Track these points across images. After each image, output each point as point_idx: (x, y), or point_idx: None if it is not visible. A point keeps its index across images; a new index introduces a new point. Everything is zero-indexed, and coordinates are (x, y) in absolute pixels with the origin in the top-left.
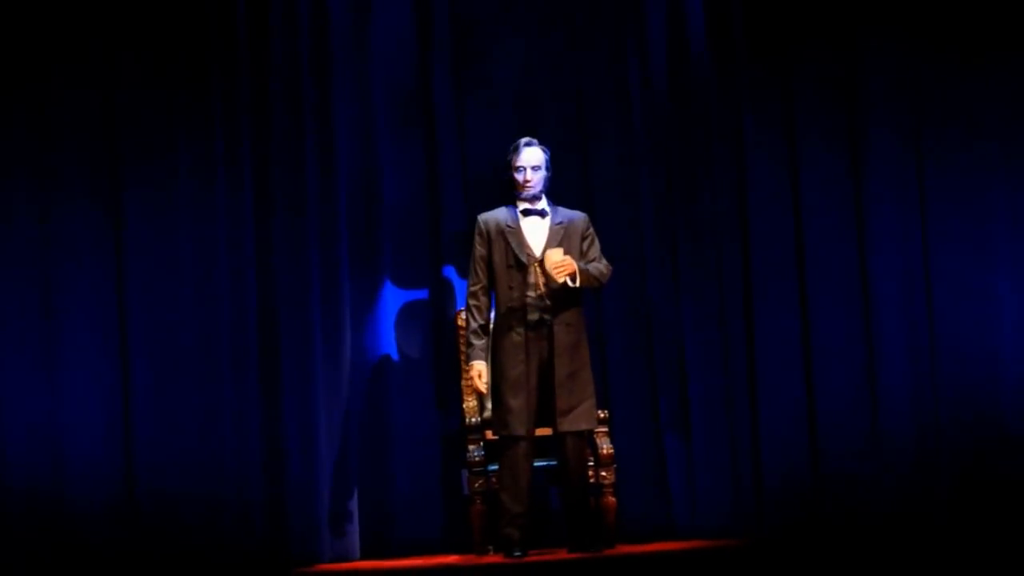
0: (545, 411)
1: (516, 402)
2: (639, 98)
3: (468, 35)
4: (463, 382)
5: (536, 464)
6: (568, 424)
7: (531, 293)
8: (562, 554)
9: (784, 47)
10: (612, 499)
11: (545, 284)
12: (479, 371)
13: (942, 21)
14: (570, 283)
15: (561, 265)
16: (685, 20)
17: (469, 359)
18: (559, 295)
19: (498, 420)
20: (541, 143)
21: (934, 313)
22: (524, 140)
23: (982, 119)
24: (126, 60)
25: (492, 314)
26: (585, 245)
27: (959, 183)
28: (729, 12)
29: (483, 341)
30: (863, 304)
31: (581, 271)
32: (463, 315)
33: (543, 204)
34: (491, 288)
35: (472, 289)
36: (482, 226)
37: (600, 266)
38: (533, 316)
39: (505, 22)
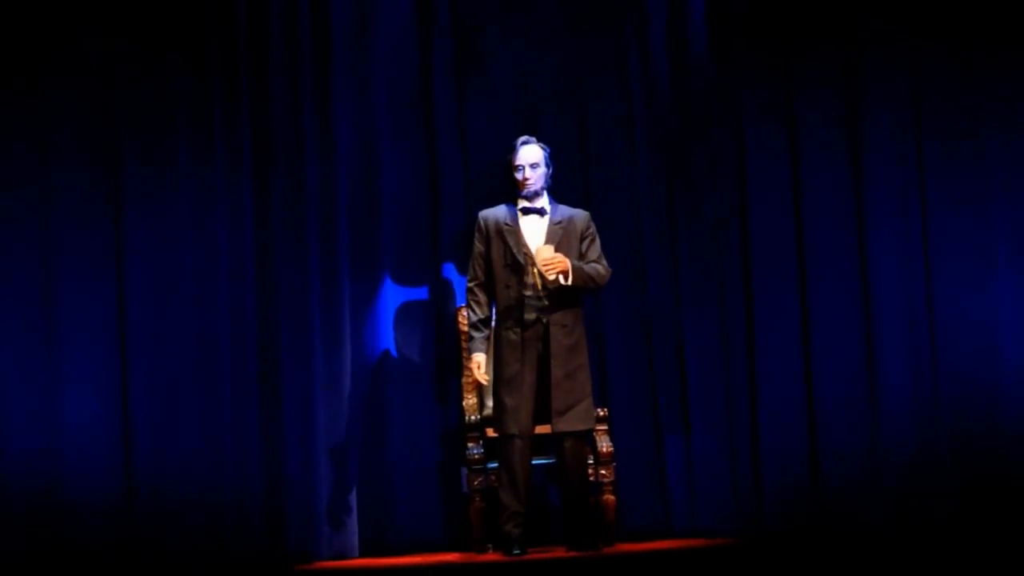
0: (544, 410)
1: (511, 401)
2: (640, 97)
3: (468, 33)
4: (463, 379)
5: (535, 462)
6: (563, 424)
7: (528, 292)
8: (561, 552)
9: (785, 44)
10: (611, 497)
11: (542, 284)
12: (478, 363)
13: (943, 15)
14: (563, 281)
15: (551, 263)
16: (686, 18)
17: (470, 352)
18: (557, 295)
19: (495, 418)
20: (541, 139)
21: (934, 313)
22: (522, 138)
23: (983, 113)
24: (125, 60)
25: (493, 310)
26: (584, 245)
27: (959, 179)
28: (730, 11)
29: (483, 334)
30: (863, 304)
31: (574, 268)
32: (463, 312)
33: (543, 202)
34: (490, 285)
35: (470, 285)
36: (481, 223)
37: (598, 267)
38: (530, 316)
39: (505, 21)
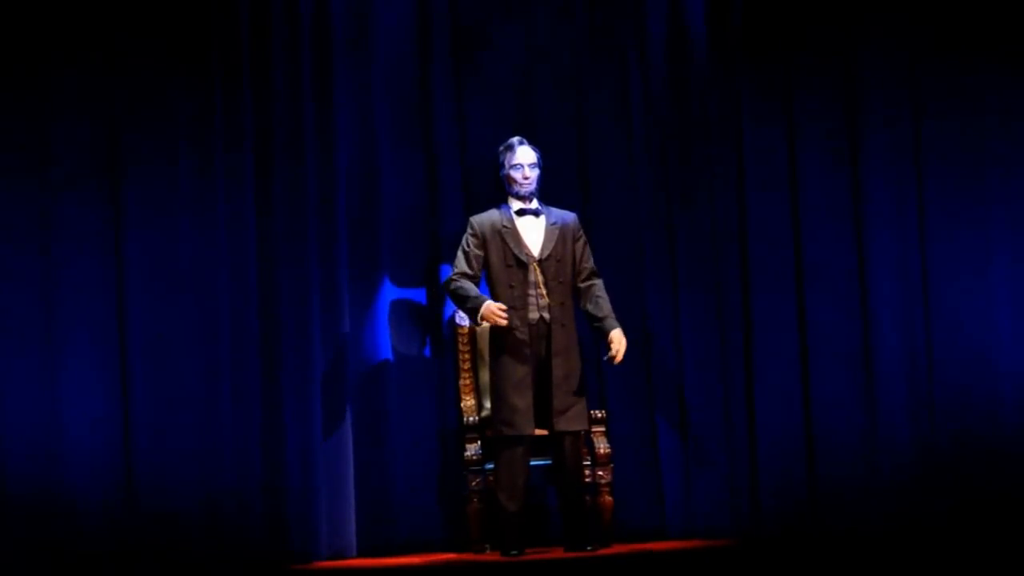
0: (541, 410)
1: (523, 402)
2: (638, 99)
3: (468, 35)
4: (461, 381)
5: (532, 463)
6: (565, 424)
7: (532, 292)
8: (558, 553)
9: (783, 47)
10: (608, 498)
11: (544, 283)
12: (498, 305)
13: (940, 19)
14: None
15: (622, 349)
16: (685, 21)
17: (476, 306)
18: (556, 294)
19: (502, 420)
20: (540, 143)
21: (931, 318)
22: (516, 139)
23: (981, 119)
24: (127, 60)
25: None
26: (578, 249)
27: (957, 185)
28: (729, 12)
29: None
30: (861, 306)
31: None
32: (460, 315)
33: (535, 203)
34: (490, 288)
35: (456, 274)
36: (477, 228)
37: (607, 299)
38: (534, 315)
39: (505, 22)
